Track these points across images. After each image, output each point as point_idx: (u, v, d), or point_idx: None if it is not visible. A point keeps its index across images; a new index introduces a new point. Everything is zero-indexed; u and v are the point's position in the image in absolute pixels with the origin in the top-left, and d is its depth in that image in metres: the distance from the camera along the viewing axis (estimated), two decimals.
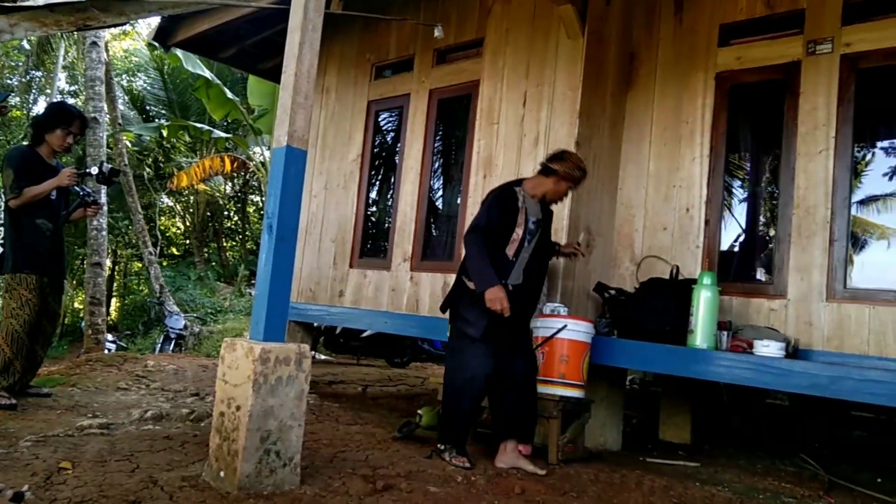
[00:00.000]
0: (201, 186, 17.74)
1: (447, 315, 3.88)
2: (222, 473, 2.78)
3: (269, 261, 2.97)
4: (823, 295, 4.14)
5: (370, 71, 6.35)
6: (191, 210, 20.44)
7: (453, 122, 5.88)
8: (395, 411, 5.39)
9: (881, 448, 5.70)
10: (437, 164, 5.94)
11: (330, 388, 6.53)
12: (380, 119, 6.39)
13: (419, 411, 4.76)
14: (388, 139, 6.46)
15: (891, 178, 4.94)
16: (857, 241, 5.03)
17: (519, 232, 3.71)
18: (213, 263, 19.58)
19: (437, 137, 5.87)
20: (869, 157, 5.12)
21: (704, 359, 3.83)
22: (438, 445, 3.65)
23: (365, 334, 9.16)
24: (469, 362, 3.60)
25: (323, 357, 9.66)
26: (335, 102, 6.60)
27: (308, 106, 3.12)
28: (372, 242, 6.34)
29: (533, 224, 3.79)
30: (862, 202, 5.23)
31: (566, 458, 3.87)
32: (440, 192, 6.03)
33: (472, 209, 5.20)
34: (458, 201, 5.47)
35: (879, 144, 5.38)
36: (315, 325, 7.09)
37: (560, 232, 4.64)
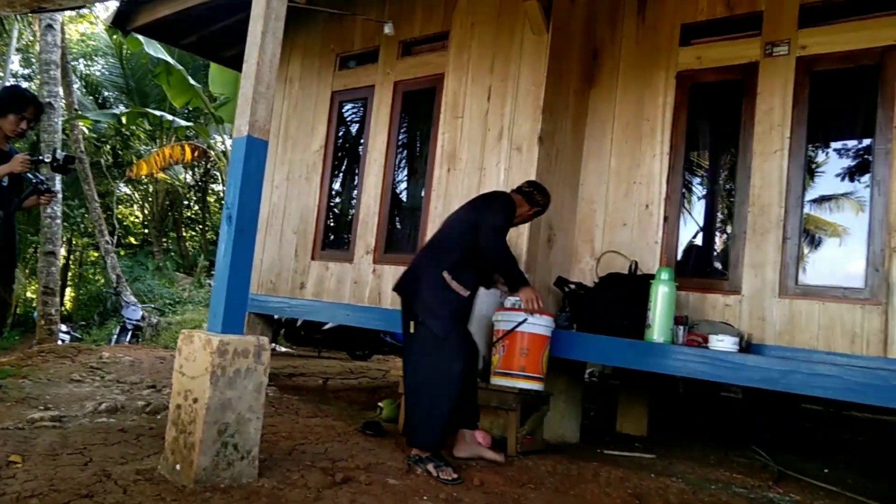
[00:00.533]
0: (161, 175, 17.42)
1: (403, 301, 3.70)
2: (178, 466, 2.75)
3: (228, 252, 2.93)
4: (776, 291, 4.25)
5: (334, 61, 6.30)
6: (149, 199, 20.05)
7: (418, 114, 5.87)
8: (355, 404, 5.38)
9: (828, 440, 5.89)
10: (401, 157, 5.93)
11: (290, 380, 6.48)
12: (343, 110, 6.34)
13: (380, 404, 4.78)
14: (352, 131, 6.42)
15: (843, 179, 5.07)
16: (808, 239, 5.16)
17: None
18: (172, 253, 19.25)
19: (402, 130, 5.86)
20: (822, 157, 5.25)
21: (661, 353, 3.91)
22: (418, 454, 3.36)
23: (326, 327, 9.10)
24: (445, 358, 3.42)
25: (283, 349, 9.58)
26: (298, 92, 6.53)
27: (270, 96, 3.09)
28: (334, 234, 6.30)
29: None
30: (814, 201, 5.36)
31: (525, 450, 3.91)
32: (404, 185, 6.02)
33: (435, 203, 5.21)
34: (422, 194, 5.47)
35: (833, 145, 5.51)
36: (275, 317, 7.02)
37: (522, 227, 4.67)
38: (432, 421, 3.39)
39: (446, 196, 5.17)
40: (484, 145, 5.01)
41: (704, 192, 5.54)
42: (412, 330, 3.56)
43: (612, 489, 3.32)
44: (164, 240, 19.72)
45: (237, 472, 2.79)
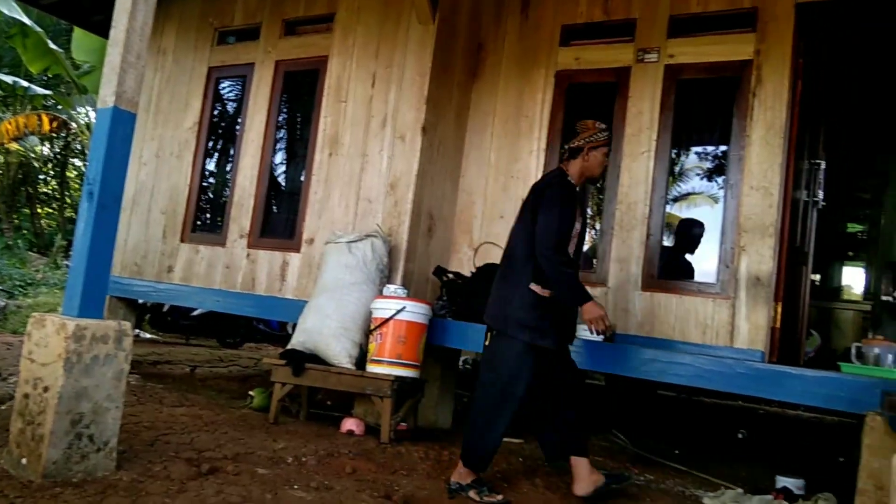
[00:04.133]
0: (13, 146, 15.97)
1: (494, 326, 3.30)
2: (24, 460, 2.55)
3: (87, 230, 2.74)
4: (639, 284, 4.50)
5: (213, 36, 6.02)
6: None
7: (299, 96, 5.72)
8: (225, 392, 5.21)
9: (680, 423, 6.34)
10: (280, 139, 5.76)
11: (155, 368, 6.17)
12: (221, 87, 6.08)
13: (251, 393, 4.65)
14: (229, 109, 6.17)
15: (701, 179, 5.47)
16: (668, 234, 5.52)
17: (577, 227, 3.30)
18: (25, 231, 17.75)
19: (282, 111, 5.69)
20: (683, 160, 5.63)
21: None
22: (459, 481, 3.13)
23: (195, 313, 8.72)
24: (520, 374, 3.13)
25: (148, 336, 9.08)
26: (172, 65, 6.19)
27: (140, 66, 2.91)
28: (206, 216, 6.05)
29: (586, 216, 3.54)
30: (675, 200, 5.75)
31: (398, 436, 3.94)
32: (283, 168, 5.85)
33: (315, 187, 5.12)
34: (302, 178, 5.35)
35: (693, 150, 5.91)
36: (140, 301, 6.65)
37: (404, 216, 4.69)
38: (483, 442, 3.15)
39: (327, 181, 5.09)
40: (367, 131, 4.97)
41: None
42: (487, 341, 3.29)
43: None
44: (16, 216, 18.12)
45: (92, 464, 2.63)
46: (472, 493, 3.08)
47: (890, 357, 3.40)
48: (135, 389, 4.56)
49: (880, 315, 7.24)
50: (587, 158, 3.31)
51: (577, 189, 3.32)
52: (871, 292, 7.82)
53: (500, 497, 3.10)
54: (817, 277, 8.23)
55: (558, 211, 3.12)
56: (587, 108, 5.21)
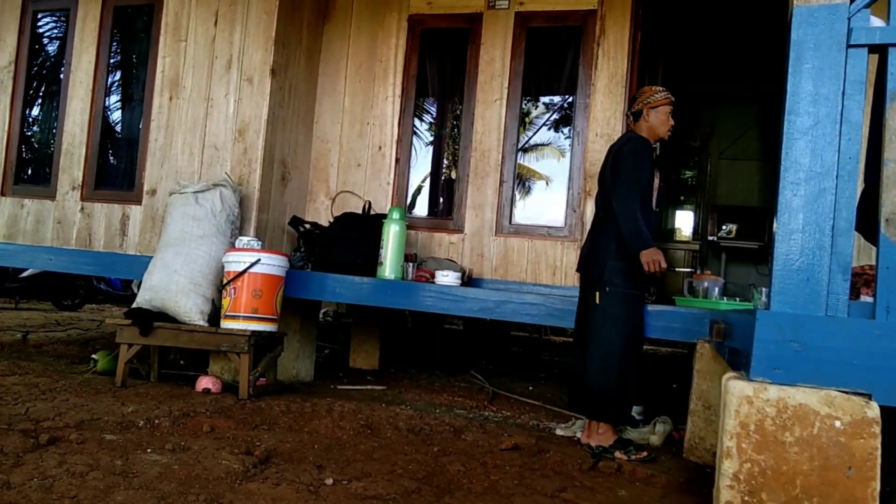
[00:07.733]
0: None
1: (586, 276, 3.45)
2: None
3: None
4: (493, 230, 4.64)
5: None
6: None
7: (133, 34, 5.25)
8: (63, 358, 4.83)
9: (532, 361, 6.69)
10: (113, 81, 5.28)
11: None
12: (40, 22, 5.46)
13: (94, 356, 4.36)
14: (53, 47, 5.56)
15: (549, 129, 5.64)
16: (521, 183, 5.69)
17: (656, 182, 3.56)
18: None
19: (114, 50, 5.21)
20: (533, 109, 5.77)
21: (392, 289, 4.07)
22: (601, 444, 3.19)
23: (25, 274, 7.98)
24: (640, 323, 3.37)
25: None
26: None
27: None
28: (31, 167, 5.48)
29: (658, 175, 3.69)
30: (525, 150, 5.92)
31: (258, 392, 3.85)
32: (118, 113, 5.39)
33: (156, 134, 4.79)
34: (140, 124, 4.96)
35: (542, 99, 6.07)
36: None
37: (254, 163, 4.49)
38: (622, 395, 3.25)
39: (168, 127, 4.76)
40: (211, 74, 4.67)
41: (433, 136, 5.79)
42: (598, 300, 3.31)
43: (345, 422, 3.42)
44: None
45: None
46: (618, 455, 3.10)
47: (716, 289, 3.75)
48: None
49: (707, 253, 7.96)
50: (648, 119, 3.44)
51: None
52: (699, 233, 8.55)
53: (645, 454, 3.13)
54: None
55: (633, 162, 3.30)
56: (441, 53, 5.20)
